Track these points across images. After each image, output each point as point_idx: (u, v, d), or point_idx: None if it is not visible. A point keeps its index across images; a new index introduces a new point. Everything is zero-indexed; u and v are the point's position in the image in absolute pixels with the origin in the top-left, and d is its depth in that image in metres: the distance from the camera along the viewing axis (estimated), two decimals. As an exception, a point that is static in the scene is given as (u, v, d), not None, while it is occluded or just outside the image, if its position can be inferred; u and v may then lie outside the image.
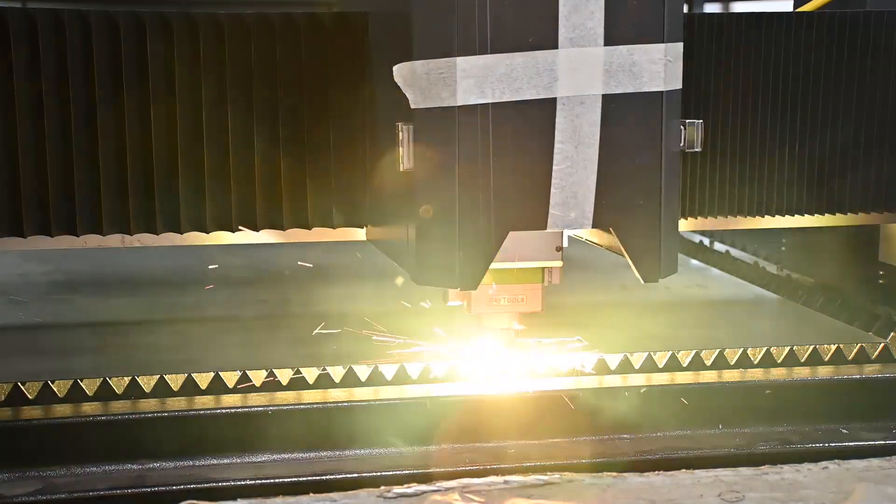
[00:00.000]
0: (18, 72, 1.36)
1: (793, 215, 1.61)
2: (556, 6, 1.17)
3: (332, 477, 1.22)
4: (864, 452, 1.25)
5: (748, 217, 1.60)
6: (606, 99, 1.20)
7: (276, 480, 1.20)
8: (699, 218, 1.59)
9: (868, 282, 1.80)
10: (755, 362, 1.43)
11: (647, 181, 1.23)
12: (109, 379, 1.31)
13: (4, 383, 1.29)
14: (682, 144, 1.28)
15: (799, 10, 1.69)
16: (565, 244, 1.33)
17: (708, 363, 1.42)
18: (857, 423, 1.37)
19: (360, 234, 1.51)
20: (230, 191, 1.44)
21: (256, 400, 1.29)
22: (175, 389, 1.31)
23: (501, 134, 1.19)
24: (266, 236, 1.48)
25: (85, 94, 1.38)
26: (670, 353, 1.41)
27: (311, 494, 1.15)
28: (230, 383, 1.32)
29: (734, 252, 2.23)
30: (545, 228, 1.22)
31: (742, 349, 1.43)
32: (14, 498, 1.15)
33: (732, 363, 1.42)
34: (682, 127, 1.27)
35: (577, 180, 1.21)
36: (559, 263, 1.33)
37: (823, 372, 1.42)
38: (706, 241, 2.35)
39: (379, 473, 1.22)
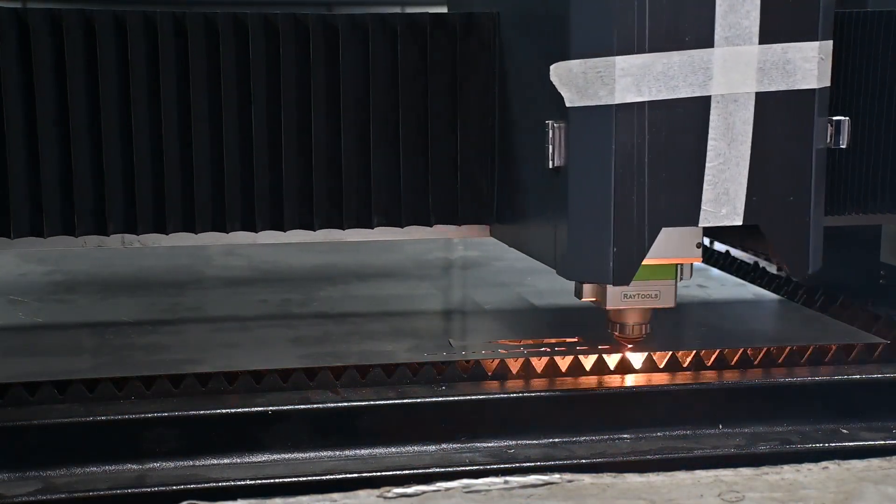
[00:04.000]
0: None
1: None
2: (713, 5, 1.20)
3: (332, 477, 1.22)
4: (864, 452, 1.25)
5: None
6: (759, 96, 1.22)
7: (276, 480, 1.20)
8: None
9: (870, 282, 1.80)
10: (755, 362, 1.43)
11: (798, 178, 1.25)
12: (109, 379, 1.31)
13: (4, 383, 1.29)
14: (828, 141, 1.29)
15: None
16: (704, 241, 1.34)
17: (708, 363, 1.42)
18: (857, 423, 1.37)
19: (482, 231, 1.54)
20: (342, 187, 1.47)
21: (257, 400, 1.29)
22: (175, 389, 1.31)
23: (656, 131, 1.21)
24: (381, 234, 1.51)
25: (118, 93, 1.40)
26: (670, 353, 1.41)
27: (311, 494, 1.14)
28: (232, 383, 1.32)
29: (734, 252, 2.22)
30: (697, 224, 1.25)
31: (742, 349, 1.43)
32: (14, 498, 1.15)
33: (732, 363, 1.42)
34: (829, 124, 1.29)
35: (729, 177, 1.23)
36: (699, 259, 1.35)
37: (823, 372, 1.41)
38: (706, 241, 2.34)
39: (379, 473, 1.23)
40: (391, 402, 1.30)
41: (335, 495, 1.12)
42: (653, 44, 1.20)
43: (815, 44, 1.22)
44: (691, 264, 1.37)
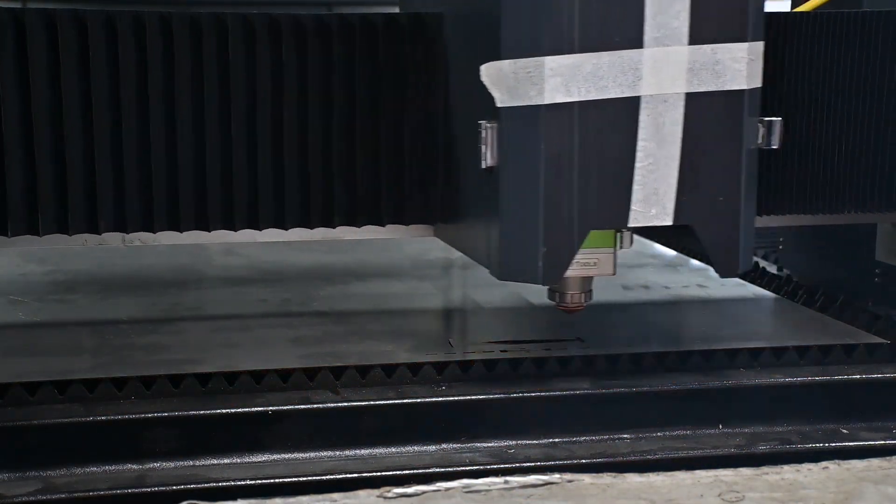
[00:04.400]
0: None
1: (791, 214, 1.61)
2: (643, 6, 1.19)
3: (332, 477, 1.22)
4: (864, 452, 1.24)
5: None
6: (689, 97, 1.22)
7: (276, 480, 1.20)
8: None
9: (865, 280, 1.80)
10: (755, 363, 1.43)
11: (728, 178, 1.25)
12: (109, 379, 1.31)
13: (4, 383, 1.29)
14: (759, 142, 1.29)
15: (796, 10, 1.69)
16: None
17: (708, 363, 1.42)
18: (857, 423, 1.37)
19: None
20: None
21: (257, 400, 1.29)
22: (175, 389, 1.31)
23: (586, 132, 1.21)
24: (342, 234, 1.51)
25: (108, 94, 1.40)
26: (670, 353, 1.41)
27: (311, 494, 1.14)
28: (232, 383, 1.32)
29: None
30: (627, 225, 1.25)
31: (742, 349, 1.43)
32: (14, 498, 1.15)
33: (732, 363, 1.42)
34: (759, 125, 1.29)
35: (658, 177, 1.23)
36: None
37: (823, 372, 1.41)
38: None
39: (379, 473, 1.23)
40: (391, 402, 1.30)
41: (335, 495, 1.12)
42: (582, 44, 1.19)
43: (745, 45, 1.22)
44: (631, 233, 1.36)
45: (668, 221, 1.25)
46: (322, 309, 1.70)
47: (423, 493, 1.12)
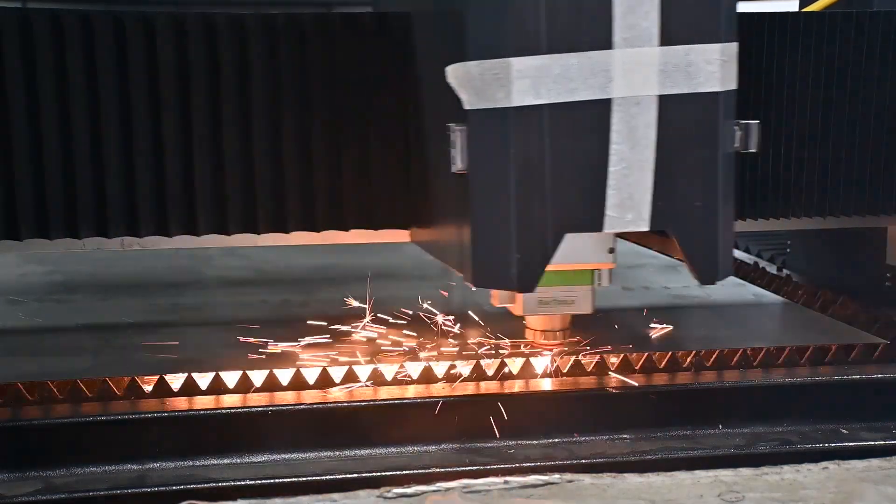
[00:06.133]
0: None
1: (799, 217, 1.61)
2: (611, 6, 1.16)
3: (332, 477, 1.22)
4: (864, 452, 1.24)
5: (758, 220, 1.60)
6: (662, 99, 1.19)
7: (276, 480, 1.20)
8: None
9: (876, 285, 1.80)
10: (755, 362, 1.43)
11: (704, 182, 1.22)
12: (109, 379, 1.31)
13: (4, 383, 1.29)
14: (736, 145, 1.26)
15: (805, 10, 1.69)
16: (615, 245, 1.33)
17: (708, 363, 1.42)
18: (857, 423, 1.37)
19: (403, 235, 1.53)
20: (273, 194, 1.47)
21: (257, 400, 1.29)
22: (175, 390, 1.31)
23: (557, 135, 1.18)
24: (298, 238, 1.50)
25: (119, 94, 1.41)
26: (670, 353, 1.41)
27: (311, 494, 1.14)
28: (230, 383, 1.32)
29: (734, 252, 2.22)
30: (602, 230, 1.21)
31: (742, 349, 1.43)
32: (14, 498, 1.15)
33: (732, 363, 1.42)
34: (736, 128, 1.26)
35: (633, 181, 1.20)
36: (612, 264, 1.33)
37: (823, 372, 1.41)
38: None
39: (379, 473, 1.23)
40: (391, 401, 1.30)
41: (335, 495, 1.12)
42: (551, 45, 1.16)
43: (718, 45, 1.19)
44: (609, 270, 1.35)
45: (645, 227, 1.22)
46: (322, 310, 1.70)
47: (423, 493, 1.12)
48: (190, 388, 1.31)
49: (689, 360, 1.42)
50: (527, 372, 1.37)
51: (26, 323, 1.63)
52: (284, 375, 1.33)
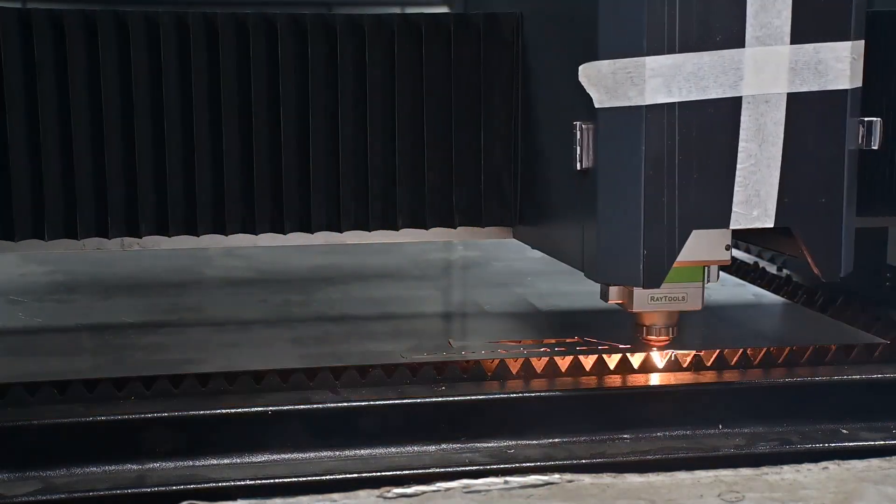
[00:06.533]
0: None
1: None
2: (745, 5, 1.18)
3: (332, 477, 1.22)
4: (864, 452, 1.24)
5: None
6: (791, 97, 1.21)
7: (276, 480, 1.20)
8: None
9: (877, 284, 1.80)
10: (755, 362, 1.43)
11: (830, 179, 1.24)
12: (109, 379, 1.31)
13: (4, 383, 1.29)
14: (859, 142, 1.28)
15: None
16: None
17: (708, 363, 1.42)
18: (857, 423, 1.37)
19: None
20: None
21: (259, 401, 1.30)
22: (175, 390, 1.31)
23: (687, 132, 1.20)
24: (405, 236, 1.51)
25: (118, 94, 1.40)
26: (670, 353, 1.41)
27: (311, 494, 1.14)
28: (232, 383, 1.32)
29: (734, 252, 2.22)
30: (729, 226, 1.23)
31: (742, 349, 1.43)
32: (14, 498, 1.15)
33: (732, 363, 1.42)
34: (860, 125, 1.27)
35: (760, 178, 1.22)
36: (727, 261, 1.34)
37: (823, 372, 1.41)
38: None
39: (379, 473, 1.23)
40: (391, 402, 1.30)
41: (335, 495, 1.12)
42: (683, 44, 1.18)
43: (848, 43, 1.21)
44: (718, 267, 1.36)
45: (770, 224, 1.24)
46: (322, 310, 1.70)
47: (423, 493, 1.12)
48: (190, 388, 1.31)
49: (688, 360, 1.41)
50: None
51: (26, 323, 1.63)
52: (286, 375, 1.33)
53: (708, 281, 1.38)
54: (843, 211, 1.25)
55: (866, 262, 1.82)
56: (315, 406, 1.28)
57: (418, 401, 1.30)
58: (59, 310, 1.72)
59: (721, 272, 2.04)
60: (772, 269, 2.07)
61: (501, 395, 1.32)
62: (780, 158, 1.22)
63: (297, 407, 1.28)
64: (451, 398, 1.31)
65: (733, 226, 1.24)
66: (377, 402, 1.29)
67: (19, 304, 1.74)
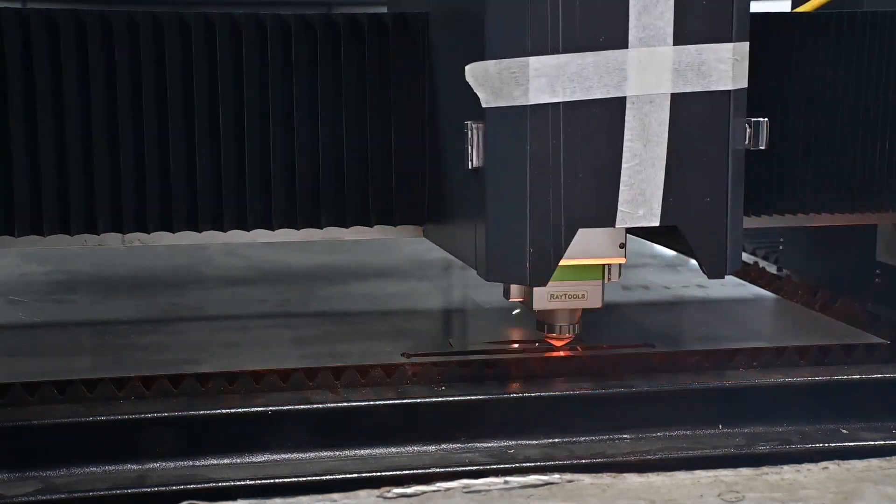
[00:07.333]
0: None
1: (794, 214, 1.61)
2: (627, 6, 1.19)
3: (332, 477, 1.22)
4: (864, 452, 1.25)
5: (750, 217, 1.60)
6: (675, 98, 1.22)
7: (276, 480, 1.20)
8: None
9: (866, 280, 1.80)
10: (755, 363, 1.43)
11: (715, 179, 1.25)
12: (109, 379, 1.31)
13: (4, 383, 1.29)
14: (746, 143, 1.29)
15: (796, 10, 1.69)
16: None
17: (708, 363, 1.42)
18: (857, 423, 1.37)
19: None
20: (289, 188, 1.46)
21: (259, 401, 1.30)
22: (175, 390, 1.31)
23: (572, 132, 1.21)
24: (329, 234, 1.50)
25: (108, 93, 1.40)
26: (670, 353, 1.41)
27: (311, 494, 1.15)
28: (232, 383, 1.32)
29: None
30: (614, 225, 1.24)
31: (742, 349, 1.43)
32: (14, 498, 1.15)
33: (732, 363, 1.42)
34: (746, 125, 1.28)
35: (645, 178, 1.23)
36: (622, 259, 1.35)
37: (823, 372, 1.41)
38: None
39: (379, 473, 1.23)
40: (391, 402, 1.30)
41: (335, 495, 1.12)
42: (567, 44, 1.19)
43: (730, 45, 1.22)
44: (619, 265, 1.37)
45: (656, 222, 1.25)
46: (322, 309, 1.70)
47: (423, 493, 1.12)
48: (190, 388, 1.31)
49: (688, 359, 1.41)
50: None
51: (26, 323, 1.63)
52: (286, 375, 1.33)
53: (609, 279, 1.38)
54: (727, 210, 1.25)
55: (858, 259, 1.83)
56: (315, 406, 1.28)
57: (418, 401, 1.30)
58: (59, 309, 1.72)
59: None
60: (772, 270, 2.07)
61: (501, 396, 1.32)
62: (665, 158, 1.23)
63: (297, 407, 1.28)
64: (451, 398, 1.31)
65: (619, 225, 1.24)
66: (377, 402, 1.29)
67: (19, 304, 1.74)
